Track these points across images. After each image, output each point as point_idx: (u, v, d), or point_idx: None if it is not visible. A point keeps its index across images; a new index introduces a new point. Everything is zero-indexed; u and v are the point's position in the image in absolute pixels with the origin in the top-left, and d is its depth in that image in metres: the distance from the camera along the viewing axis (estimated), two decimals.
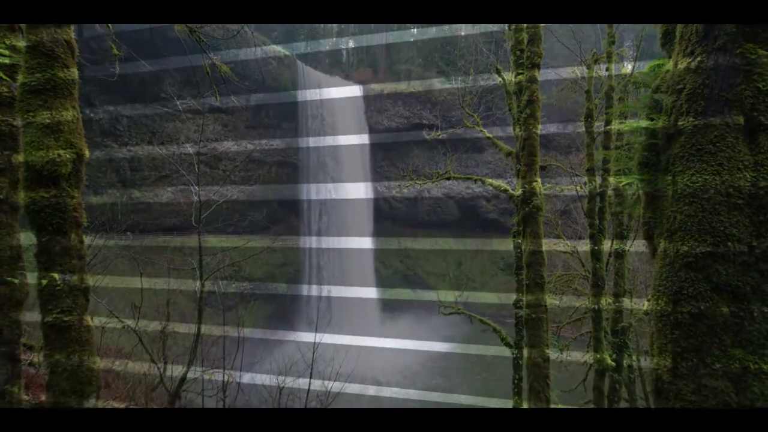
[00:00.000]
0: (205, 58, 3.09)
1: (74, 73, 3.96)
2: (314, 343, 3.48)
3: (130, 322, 3.74)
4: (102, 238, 4.63)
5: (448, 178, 4.16)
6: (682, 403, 2.85)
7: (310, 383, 2.97)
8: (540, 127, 3.82)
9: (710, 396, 2.82)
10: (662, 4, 2.95)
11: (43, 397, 3.38)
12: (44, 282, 3.68)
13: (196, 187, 3.47)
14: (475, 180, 3.72)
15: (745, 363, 2.85)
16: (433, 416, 2.81)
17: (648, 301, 2.78)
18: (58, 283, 3.71)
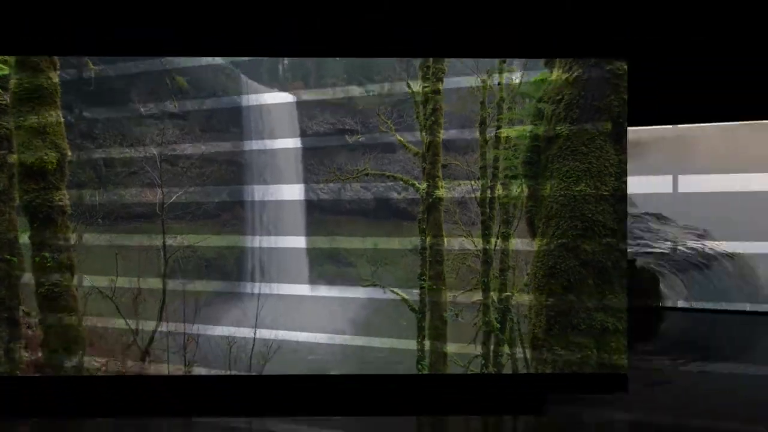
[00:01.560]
0: (163, 65, 3.63)
1: (56, 83, 4.53)
2: (257, 296, 3.92)
3: (108, 292, 4.27)
4: (83, 223, 5.11)
5: (367, 174, 4.47)
6: (553, 355, 3.47)
7: (255, 338, 3.45)
8: (442, 132, 4.34)
9: (576, 350, 3.42)
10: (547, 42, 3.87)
11: (39, 354, 4.00)
12: (37, 260, 4.28)
13: (159, 181, 3.88)
14: (388, 176, 4.01)
15: (605, 324, 3.45)
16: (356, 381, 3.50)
17: (527, 274, 3.37)
18: (49, 260, 4.34)
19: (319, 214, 3.11)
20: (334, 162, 2.92)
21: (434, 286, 3.11)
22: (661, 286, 6.21)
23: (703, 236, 6.33)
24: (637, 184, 5.32)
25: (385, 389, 3.36)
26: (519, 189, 3.09)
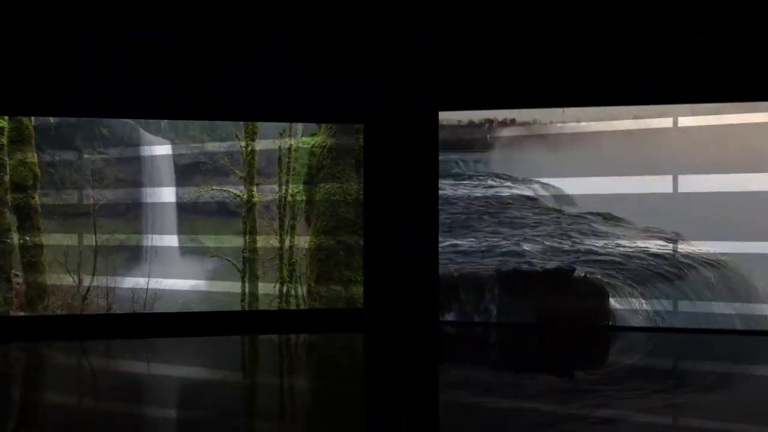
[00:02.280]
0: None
1: (32, 130, 6.57)
2: (148, 248, 5.29)
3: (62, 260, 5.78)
4: (47, 219, 6.72)
5: (212, 188, 5.63)
6: (321, 297, 5.49)
7: (147, 288, 4.95)
8: (256, 162, 5.77)
9: (334, 294, 5.20)
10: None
11: (23, 300, 5.19)
12: (21, 242, 6.32)
13: (92, 192, 5.25)
14: (222, 190, 5.26)
15: (350, 278, 5.06)
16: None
17: (306, 249, 5.22)
18: (28, 242, 6.42)
19: (184, 214, 4.31)
20: (193, 180, 4.23)
21: (251, 257, 4.89)
22: (612, 301, 5.21)
23: (674, 240, 5.29)
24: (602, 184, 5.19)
25: (217, 320, 5.17)
26: (301, 197, 4.97)
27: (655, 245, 5.37)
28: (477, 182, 5.61)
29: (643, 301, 5.28)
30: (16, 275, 5.37)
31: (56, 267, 5.59)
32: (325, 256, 5.19)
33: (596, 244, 5.39)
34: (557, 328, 5.29)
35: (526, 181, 5.65)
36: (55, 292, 5.55)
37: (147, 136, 5.13)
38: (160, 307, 5.33)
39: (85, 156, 5.37)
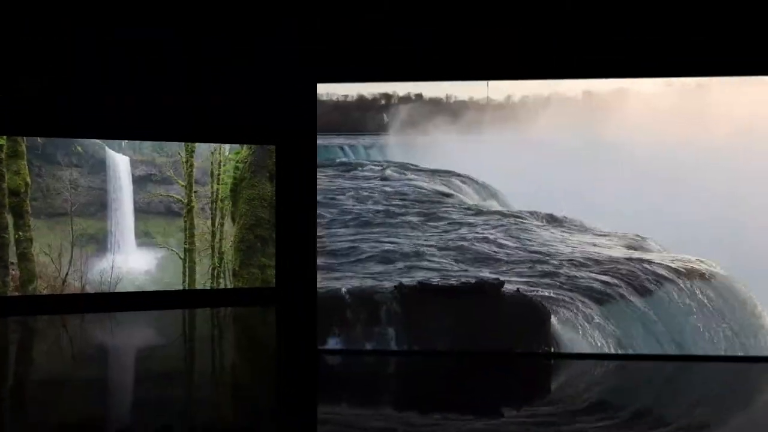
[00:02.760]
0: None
1: (24, 146, 7.99)
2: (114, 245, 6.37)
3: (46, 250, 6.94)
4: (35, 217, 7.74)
5: (161, 195, 6.50)
6: (244, 277, 6.89)
7: (112, 271, 6.20)
8: (194, 173, 7.04)
9: (254, 275, 6.81)
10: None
11: (18, 283, 5.96)
12: (16, 237, 7.50)
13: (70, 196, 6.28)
14: (168, 195, 6.11)
15: (266, 264, 6.55)
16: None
17: (233, 241, 6.61)
18: (21, 236, 7.83)
19: (139, 214, 5.20)
20: (146, 187, 5.20)
21: (190, 248, 6.21)
22: (555, 323, 4.22)
23: (637, 247, 4.40)
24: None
25: (164, 297, 6.59)
26: (228, 201, 6.27)
27: (613, 252, 4.37)
28: (370, 173, 4.81)
29: (599, 321, 4.19)
30: (12, 264, 6.64)
31: (42, 257, 7.00)
32: (246, 246, 6.68)
33: (534, 250, 4.38)
34: (479, 357, 4.32)
35: (439, 174, 4.73)
36: (41, 276, 6.93)
37: (110, 152, 6.50)
38: (121, 288, 6.80)
39: (64, 168, 6.81)
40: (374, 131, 4.77)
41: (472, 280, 4.42)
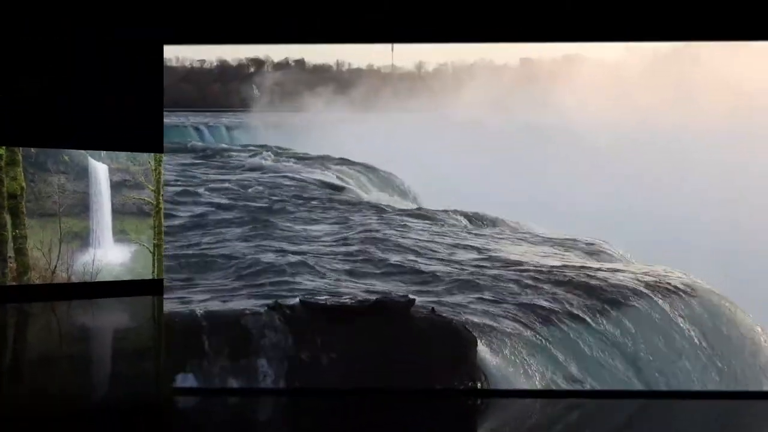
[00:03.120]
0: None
1: (20, 155, 9.20)
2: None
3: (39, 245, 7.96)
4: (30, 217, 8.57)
5: (135, 198, 7.23)
6: None
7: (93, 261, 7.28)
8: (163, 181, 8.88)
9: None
10: None
11: (15, 274, 6.57)
12: (13, 234, 8.78)
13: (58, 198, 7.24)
14: (140, 198, 6.92)
15: None
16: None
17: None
18: (18, 234, 9.01)
19: (116, 214, 5.97)
20: (122, 191, 5.99)
21: (159, 243, 7.28)
22: (483, 350, 3.20)
23: (592, 252, 3.71)
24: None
25: (137, 285, 7.59)
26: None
27: (561, 262, 3.49)
28: (237, 161, 3.90)
29: (541, 348, 3.20)
30: (10, 257, 8.16)
31: (35, 251, 8.13)
32: None
33: (455, 260, 3.41)
34: (381, 396, 3.37)
35: (327, 161, 3.86)
36: (34, 268, 8.09)
37: (92, 161, 7.61)
38: (101, 278, 7.91)
39: (54, 174, 7.92)
40: (240, 107, 3.65)
41: (372, 297, 3.39)
